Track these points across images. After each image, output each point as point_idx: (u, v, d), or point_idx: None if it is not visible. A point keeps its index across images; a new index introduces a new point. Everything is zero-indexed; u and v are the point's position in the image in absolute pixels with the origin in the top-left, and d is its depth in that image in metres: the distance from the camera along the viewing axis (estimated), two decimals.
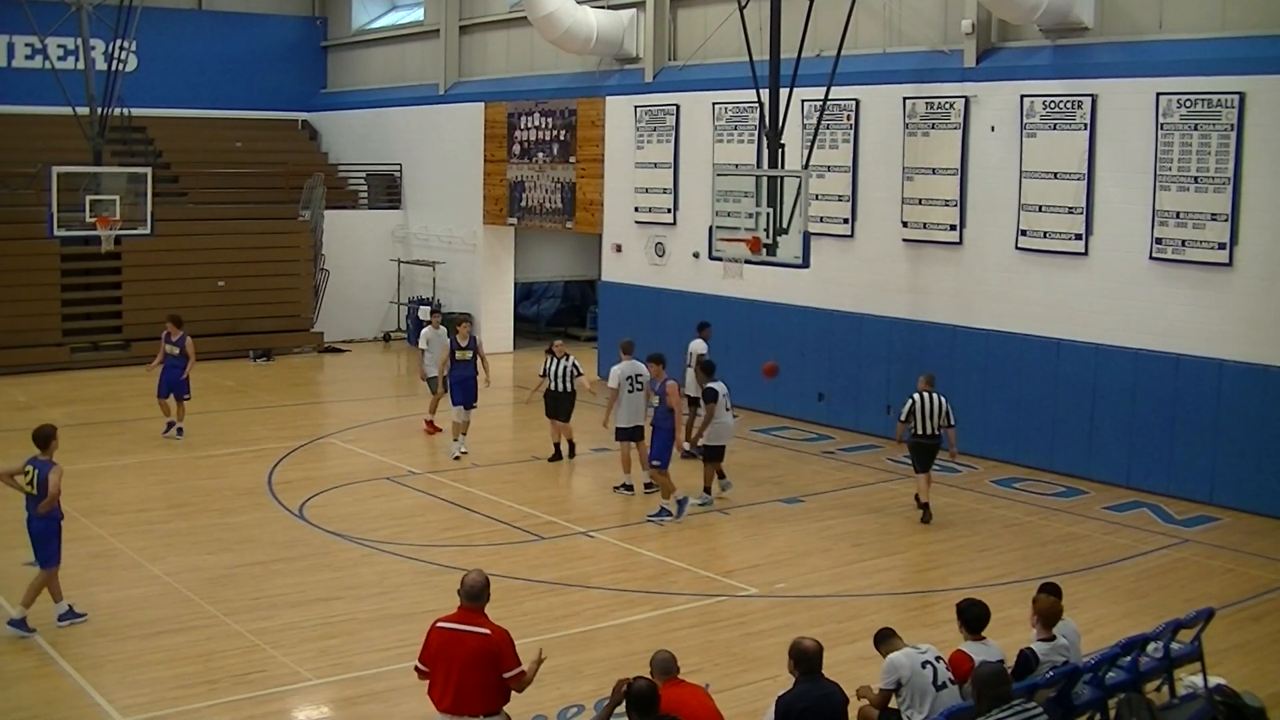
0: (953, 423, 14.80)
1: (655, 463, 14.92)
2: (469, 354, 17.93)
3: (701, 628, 11.39)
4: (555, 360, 17.41)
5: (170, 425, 18.45)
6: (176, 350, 18.32)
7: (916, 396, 14.74)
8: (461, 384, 17.87)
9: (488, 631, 7.44)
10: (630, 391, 15.65)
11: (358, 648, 10.77)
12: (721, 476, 15.73)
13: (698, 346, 17.80)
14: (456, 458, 17.59)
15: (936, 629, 9.99)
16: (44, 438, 11.14)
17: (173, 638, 10.87)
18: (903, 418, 14.85)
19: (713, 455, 15.45)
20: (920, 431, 14.76)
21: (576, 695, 9.51)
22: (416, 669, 7.62)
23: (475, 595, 7.54)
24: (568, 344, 19.12)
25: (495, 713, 7.47)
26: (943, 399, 14.77)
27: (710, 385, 15.37)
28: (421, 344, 19.47)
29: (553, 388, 17.31)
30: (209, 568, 12.72)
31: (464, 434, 17.81)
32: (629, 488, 15.91)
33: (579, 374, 17.43)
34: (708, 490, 15.45)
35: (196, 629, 11.07)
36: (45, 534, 10.98)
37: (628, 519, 14.84)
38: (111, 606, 11.57)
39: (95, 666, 10.18)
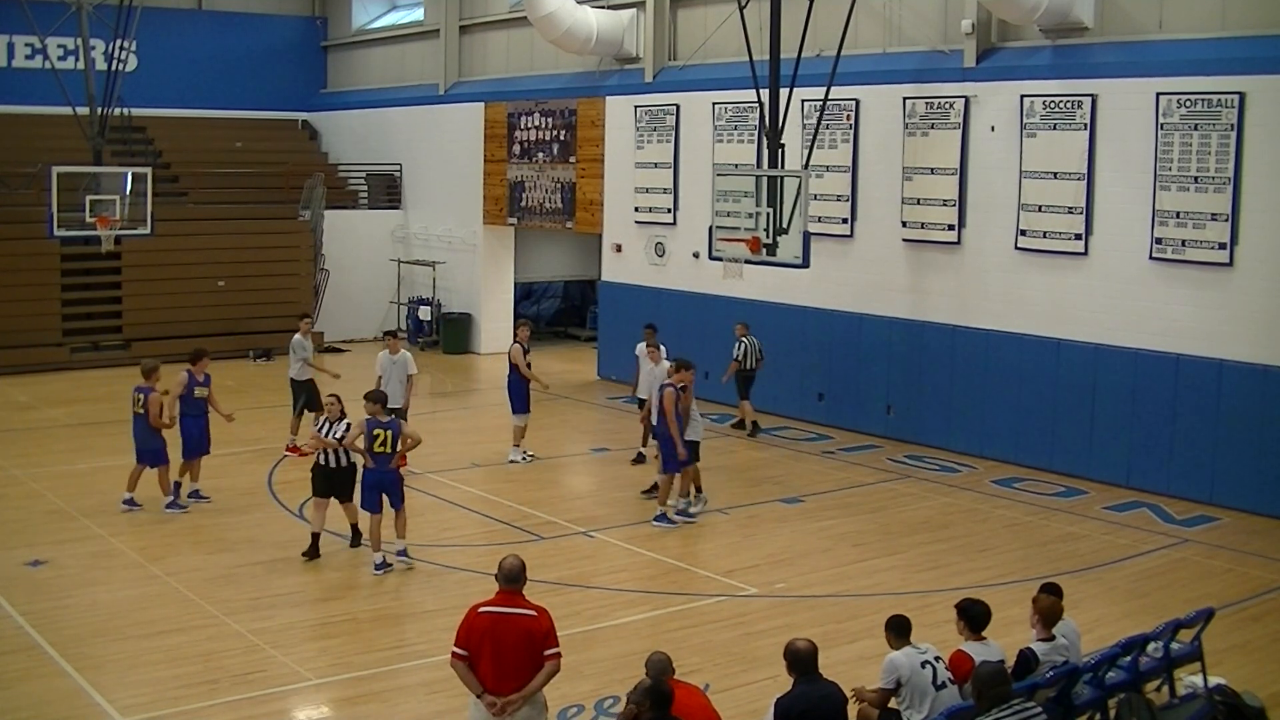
0: (762, 358, 19.08)
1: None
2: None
3: (701, 628, 11.38)
4: (334, 424, 13.12)
5: (194, 492, 15.13)
6: (206, 392, 15.16)
7: (745, 340, 18.85)
8: (517, 388, 17.06)
9: (534, 612, 7.58)
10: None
11: (358, 648, 10.77)
12: (698, 490, 15.19)
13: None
14: (513, 461, 17.18)
15: (936, 629, 9.96)
16: (381, 399, 13.15)
17: (173, 638, 10.87)
18: (738, 357, 18.80)
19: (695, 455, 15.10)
20: (747, 366, 18.91)
21: (576, 695, 9.51)
22: (454, 654, 7.59)
23: (514, 578, 7.64)
24: (568, 344, 18.82)
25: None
26: (756, 340, 18.95)
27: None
28: (378, 370, 16.63)
29: (324, 461, 13.05)
30: (209, 568, 12.72)
31: (520, 439, 17.27)
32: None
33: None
34: (699, 490, 15.36)
35: (196, 629, 11.07)
36: (393, 482, 12.83)
37: (628, 519, 14.83)
38: (111, 606, 11.58)
39: (95, 666, 10.17)
